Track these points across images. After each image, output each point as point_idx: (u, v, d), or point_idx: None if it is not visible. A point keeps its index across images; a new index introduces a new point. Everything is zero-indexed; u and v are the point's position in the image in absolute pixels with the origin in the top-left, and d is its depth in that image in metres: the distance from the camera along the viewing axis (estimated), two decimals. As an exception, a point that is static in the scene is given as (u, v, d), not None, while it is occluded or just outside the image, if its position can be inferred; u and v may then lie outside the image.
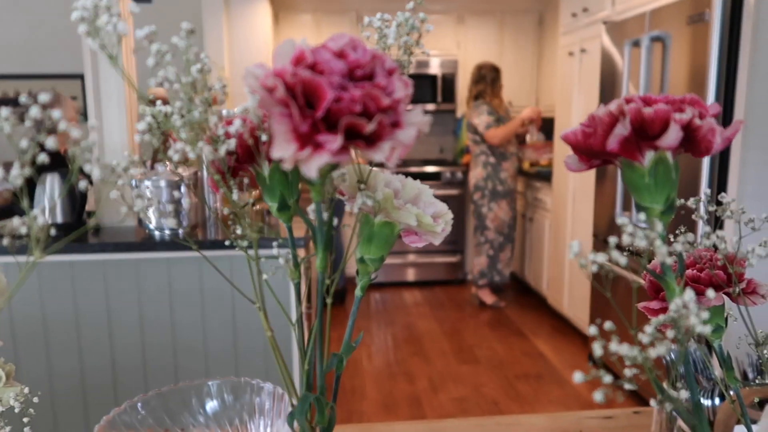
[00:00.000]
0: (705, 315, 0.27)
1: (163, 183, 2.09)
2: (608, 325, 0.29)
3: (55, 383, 1.98)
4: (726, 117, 2.14)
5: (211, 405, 0.95)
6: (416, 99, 4.70)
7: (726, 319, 0.46)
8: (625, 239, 0.28)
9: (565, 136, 0.33)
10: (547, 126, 4.12)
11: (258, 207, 2.63)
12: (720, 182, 2.18)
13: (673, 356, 0.98)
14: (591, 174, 3.13)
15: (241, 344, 2.02)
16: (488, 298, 4.12)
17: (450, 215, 0.40)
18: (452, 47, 4.75)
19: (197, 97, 0.31)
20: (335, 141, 0.25)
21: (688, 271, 0.43)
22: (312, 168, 0.26)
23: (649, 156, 0.31)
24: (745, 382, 0.85)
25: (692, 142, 0.30)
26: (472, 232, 4.25)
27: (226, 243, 0.33)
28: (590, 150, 0.33)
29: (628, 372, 0.34)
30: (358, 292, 0.40)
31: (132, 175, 0.33)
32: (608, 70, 2.90)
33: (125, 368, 2.00)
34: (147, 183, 2.09)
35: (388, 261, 4.41)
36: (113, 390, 2.00)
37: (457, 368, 3.17)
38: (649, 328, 0.31)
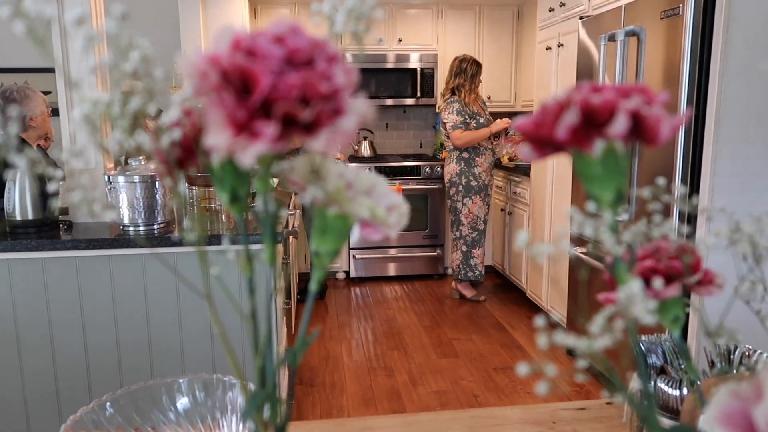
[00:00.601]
0: (651, 305, 0.27)
1: (137, 178, 2.06)
2: (557, 315, 0.29)
3: (28, 383, 1.94)
4: (698, 110, 2.16)
5: (183, 402, 0.94)
6: (396, 94, 4.69)
7: (685, 310, 0.46)
8: (573, 229, 0.28)
9: (518, 126, 0.33)
10: (525, 120, 4.13)
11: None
12: (693, 176, 2.21)
13: (642, 347, 0.99)
14: (568, 167, 3.15)
15: (218, 341, 2.00)
16: (468, 291, 4.13)
17: (404, 207, 0.39)
18: (431, 41, 4.74)
19: (136, 84, 0.30)
20: (271, 129, 0.24)
21: (646, 262, 0.43)
22: (248, 157, 0.25)
23: (598, 145, 0.31)
24: (714, 371, 0.86)
25: (640, 130, 0.29)
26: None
27: (173, 238, 0.32)
28: (542, 139, 0.32)
29: (582, 363, 0.34)
30: (312, 285, 0.39)
31: (99, 171, 0.32)
32: (585, 64, 2.92)
33: (99, 367, 1.97)
34: (120, 179, 2.06)
35: (369, 255, 4.44)
36: (87, 389, 1.97)
37: (437, 362, 3.18)
38: (599, 319, 0.31)
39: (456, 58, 3.99)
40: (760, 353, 0.85)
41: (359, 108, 0.27)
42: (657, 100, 0.29)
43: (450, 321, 3.78)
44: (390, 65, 4.65)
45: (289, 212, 2.90)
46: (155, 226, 2.08)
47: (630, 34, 2.47)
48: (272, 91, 0.25)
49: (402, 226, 0.40)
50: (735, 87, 2.07)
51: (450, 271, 4.27)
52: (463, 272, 4.06)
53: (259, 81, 0.25)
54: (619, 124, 0.29)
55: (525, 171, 3.96)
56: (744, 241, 0.38)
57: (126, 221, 2.05)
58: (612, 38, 2.59)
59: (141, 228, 2.06)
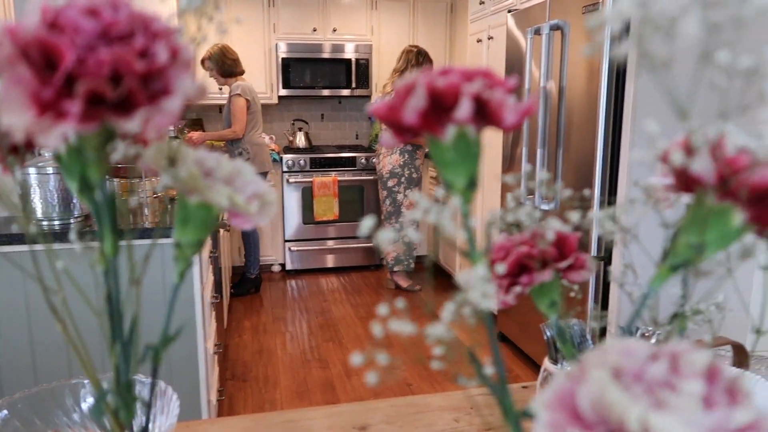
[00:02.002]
0: (489, 289, 0.27)
1: (50, 170, 1.95)
2: (400, 304, 0.28)
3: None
4: (617, 103, 2.25)
5: (88, 403, 0.90)
6: (331, 84, 4.65)
7: (562, 295, 0.47)
8: (416, 215, 0.28)
9: (373, 110, 0.32)
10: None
11: (162, 194, 2.52)
12: (612, 172, 2.29)
13: (550, 333, 1.01)
14: (498, 160, 3.22)
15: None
16: (403, 281, 4.16)
17: (271, 196, 0.37)
18: (366, 32, 4.72)
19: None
20: (75, 108, 0.22)
21: (522, 248, 0.44)
22: (52, 138, 0.23)
23: (450, 130, 0.30)
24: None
25: (486, 115, 0.29)
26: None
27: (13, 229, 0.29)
28: (397, 124, 0.31)
29: (438, 350, 0.34)
30: (175, 278, 0.37)
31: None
32: (513, 57, 2.98)
33: (11, 368, 1.86)
34: (31, 170, 1.94)
35: (304, 248, 4.39)
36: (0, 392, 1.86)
37: (372, 352, 3.19)
38: (449, 305, 0.31)
39: (413, 48, 3.93)
40: (658, 334, 0.89)
41: (185, 87, 0.25)
42: (500, 84, 0.29)
43: (406, 311, 3.79)
44: (325, 55, 4.60)
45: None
46: (72, 221, 1.98)
47: (554, 27, 2.54)
48: (80, 68, 0.23)
49: (271, 215, 0.38)
50: (650, 84, 2.16)
51: (385, 262, 4.29)
52: (405, 262, 4.10)
53: (64, 56, 0.23)
54: (464, 108, 0.28)
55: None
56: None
57: (39, 215, 1.95)
58: (538, 32, 2.65)
59: (56, 222, 1.96)
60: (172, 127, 4.33)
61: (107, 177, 0.34)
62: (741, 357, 0.84)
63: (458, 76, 0.29)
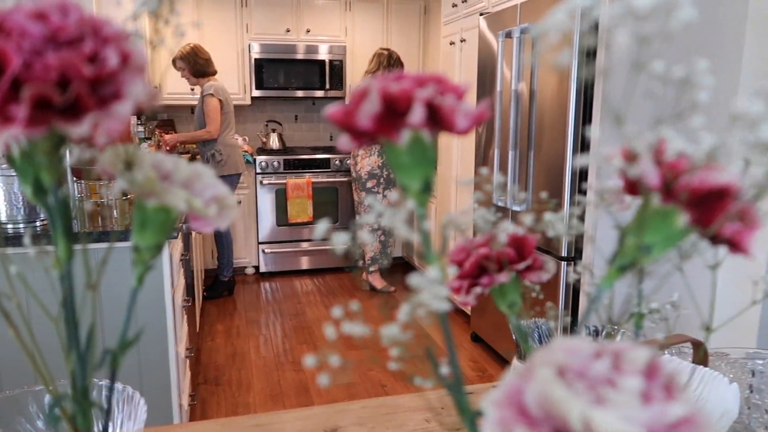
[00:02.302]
0: (441, 291, 0.27)
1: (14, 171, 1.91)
2: (354, 307, 0.28)
3: None
4: (586, 106, 2.28)
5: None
6: (305, 85, 4.63)
7: (523, 295, 0.48)
8: (370, 219, 0.28)
9: (329, 115, 0.33)
10: (432, 113, 4.22)
11: (131, 197, 2.48)
12: (582, 173, 2.33)
13: (517, 333, 1.03)
14: (471, 160, 3.25)
15: (109, 342, 1.90)
16: (378, 282, 4.17)
17: (232, 200, 0.38)
18: (340, 33, 4.72)
19: None
20: (21, 112, 0.22)
21: (481, 250, 0.44)
22: (-1, 144, 0.23)
23: (405, 134, 0.31)
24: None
25: (439, 120, 0.30)
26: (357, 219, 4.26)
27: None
28: (353, 128, 0.32)
29: (394, 352, 0.34)
30: (134, 282, 0.37)
31: None
32: (486, 60, 3.01)
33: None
34: (-5, 172, 1.90)
35: (279, 250, 4.35)
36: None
37: (346, 354, 3.17)
38: (404, 307, 0.31)
39: (384, 51, 3.94)
40: (623, 333, 0.91)
41: (137, 93, 0.25)
42: (452, 90, 0.29)
43: (360, 313, 3.80)
44: (299, 56, 4.58)
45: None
46: (38, 223, 1.95)
47: (525, 31, 2.57)
48: (26, 72, 0.23)
49: (231, 218, 0.38)
50: (620, 81, 2.20)
51: (361, 263, 4.29)
52: (382, 261, 4.12)
53: (10, 60, 0.23)
54: (416, 114, 0.29)
55: (432, 163, 4.03)
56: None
57: (3, 218, 1.90)
58: (509, 35, 2.68)
59: (21, 225, 1.92)
60: (142, 129, 4.26)
61: (74, 179, 0.34)
62: (700, 354, 0.87)
63: (411, 81, 0.29)
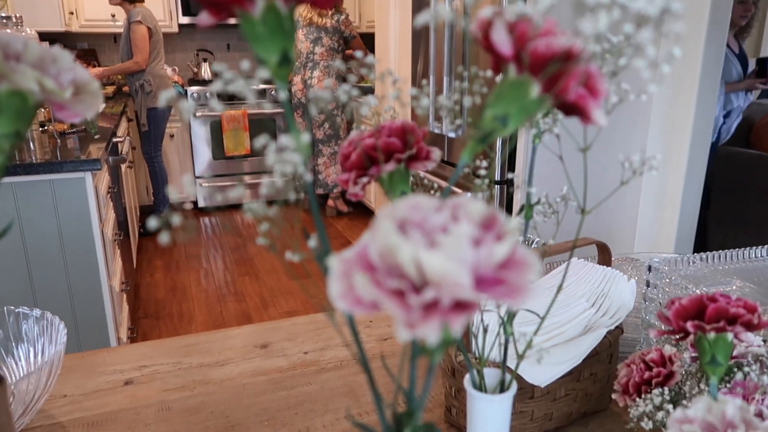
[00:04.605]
0: (296, 158, 0.28)
1: None
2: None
3: None
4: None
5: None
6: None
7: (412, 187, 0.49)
8: (217, 87, 0.28)
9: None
10: (369, 41, 4.12)
11: (50, 128, 2.35)
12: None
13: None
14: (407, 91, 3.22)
15: (35, 277, 1.85)
16: (344, 206, 4.23)
17: (95, 85, 0.36)
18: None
19: None
20: None
21: (367, 140, 0.45)
22: None
23: (259, 3, 0.30)
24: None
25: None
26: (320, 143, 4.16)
27: None
28: (209, 1, 0.31)
29: (262, 227, 0.35)
30: (-2, 174, 0.36)
31: None
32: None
33: None
34: None
35: (218, 183, 4.25)
36: None
37: (288, 283, 3.22)
38: (265, 181, 0.32)
39: None
40: (537, 241, 0.95)
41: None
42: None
43: (299, 243, 3.82)
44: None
45: (118, 138, 2.68)
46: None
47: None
48: None
49: (96, 107, 0.37)
50: None
51: (322, 190, 4.24)
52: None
53: None
54: (264, -22, 0.28)
55: (372, 91, 3.99)
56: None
57: None
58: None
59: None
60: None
61: None
62: (605, 255, 0.93)
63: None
